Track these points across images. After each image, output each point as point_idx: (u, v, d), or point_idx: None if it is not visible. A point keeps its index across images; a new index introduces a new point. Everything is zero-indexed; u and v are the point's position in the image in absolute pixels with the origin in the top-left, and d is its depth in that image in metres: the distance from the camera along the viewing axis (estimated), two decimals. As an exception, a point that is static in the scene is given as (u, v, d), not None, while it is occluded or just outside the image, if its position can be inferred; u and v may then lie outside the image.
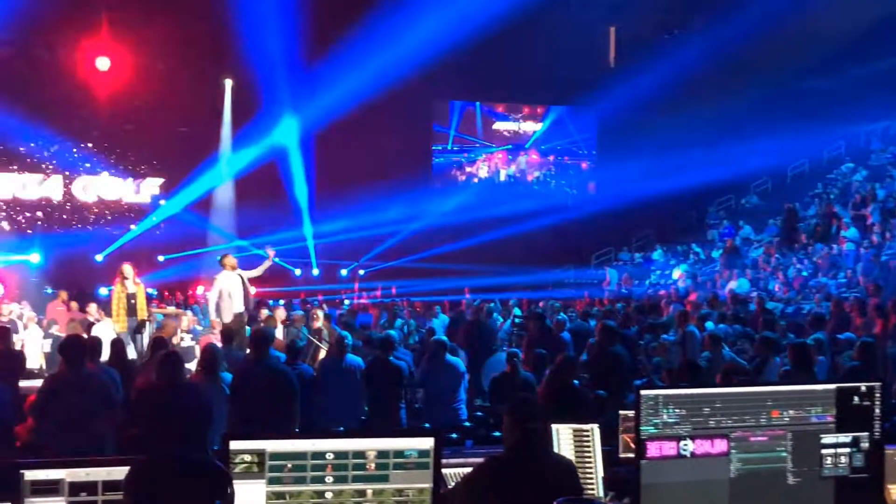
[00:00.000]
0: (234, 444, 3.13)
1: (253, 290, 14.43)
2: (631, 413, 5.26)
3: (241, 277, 13.49)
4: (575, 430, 5.46)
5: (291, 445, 3.16)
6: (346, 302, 21.69)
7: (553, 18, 24.56)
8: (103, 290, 16.39)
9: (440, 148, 30.15)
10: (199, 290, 22.06)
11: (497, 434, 8.09)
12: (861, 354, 8.94)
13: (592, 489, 5.13)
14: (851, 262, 18.88)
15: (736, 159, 25.59)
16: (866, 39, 22.68)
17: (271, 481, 3.13)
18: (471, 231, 24.76)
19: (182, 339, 13.88)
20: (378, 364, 9.46)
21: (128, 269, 13.39)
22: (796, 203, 24.44)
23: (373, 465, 3.17)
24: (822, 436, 3.76)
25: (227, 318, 13.16)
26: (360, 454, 3.16)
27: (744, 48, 23.09)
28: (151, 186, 25.40)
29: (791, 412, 3.72)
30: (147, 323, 13.46)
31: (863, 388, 3.82)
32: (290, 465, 3.14)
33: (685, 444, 3.57)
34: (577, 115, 30.83)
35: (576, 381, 8.66)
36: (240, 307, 13.38)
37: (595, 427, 5.49)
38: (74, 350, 7.39)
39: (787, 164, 27.50)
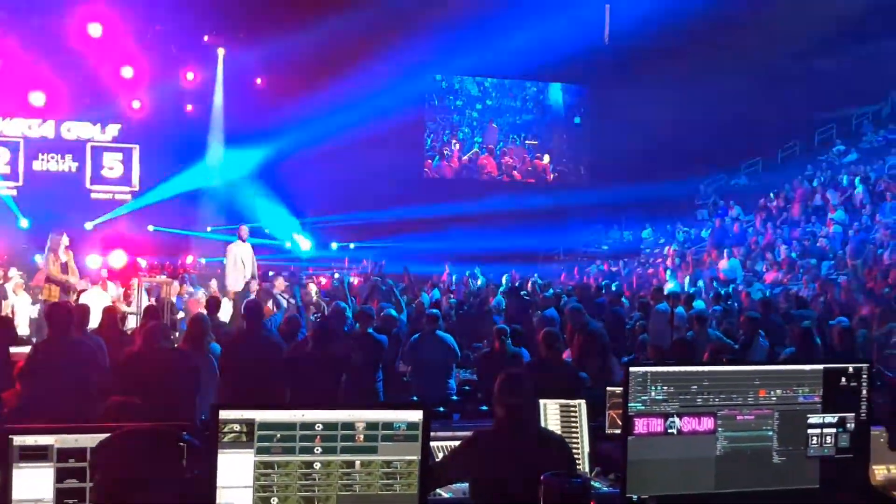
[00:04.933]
0: (224, 414, 3.13)
1: None
2: (618, 389, 5.30)
3: (249, 248, 14.30)
4: (562, 406, 5.50)
5: (280, 416, 3.16)
6: (337, 275, 21.67)
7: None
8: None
9: (433, 125, 30.09)
10: (189, 259, 22.02)
11: (484, 408, 8.15)
12: (800, 341, 8.98)
13: (579, 464, 5.17)
14: (839, 244, 18.96)
15: (727, 139, 25.60)
16: (860, 21, 22.64)
17: (260, 451, 3.13)
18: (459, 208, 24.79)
19: (179, 309, 14.03)
20: (358, 337, 9.48)
21: (62, 238, 13.43)
22: (786, 184, 24.51)
23: (361, 437, 3.17)
24: (809, 416, 3.78)
25: (239, 286, 13.74)
26: (349, 426, 3.16)
27: (737, 29, 23.04)
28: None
29: (778, 392, 3.73)
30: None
31: (850, 370, 3.84)
32: (278, 436, 3.14)
33: (672, 422, 3.59)
34: (570, 92, 30.80)
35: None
36: (250, 275, 14.03)
37: (582, 403, 5.53)
38: (60, 317, 7.38)
39: (777, 145, 27.55)
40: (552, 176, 30.81)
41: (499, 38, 24.88)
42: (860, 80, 24.79)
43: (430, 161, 29.89)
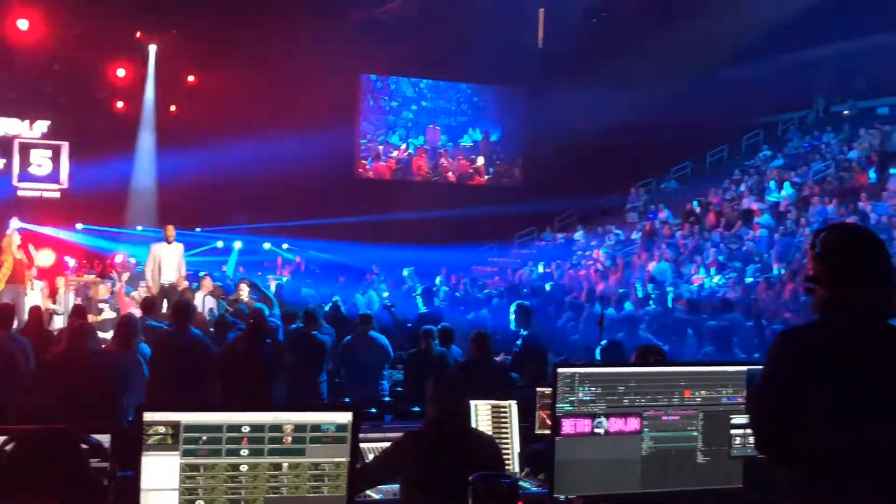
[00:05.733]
0: (148, 416, 3.08)
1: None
2: (548, 390, 5.34)
3: (178, 249, 14.04)
4: (493, 406, 5.53)
5: (207, 417, 3.12)
6: (267, 276, 21.48)
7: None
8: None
9: (368, 126, 30.00)
10: (118, 259, 21.64)
11: (416, 409, 8.16)
12: (715, 340, 9.14)
13: (509, 464, 5.20)
14: (765, 247, 19.36)
15: (657, 144, 25.98)
16: (787, 28, 23.15)
17: (185, 454, 3.09)
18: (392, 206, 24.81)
19: (102, 309, 13.77)
20: (300, 337, 9.42)
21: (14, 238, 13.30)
22: (714, 188, 24.97)
23: (289, 439, 3.15)
24: (732, 416, 3.83)
25: (158, 288, 13.49)
26: (277, 427, 3.14)
27: (668, 35, 23.39)
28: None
29: (703, 393, 3.79)
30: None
31: (773, 371, 3.91)
32: (204, 438, 3.10)
33: (599, 422, 3.63)
34: (504, 94, 30.96)
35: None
36: (171, 277, 13.77)
37: (513, 403, 5.57)
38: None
39: (707, 149, 28.06)
40: (486, 178, 30.93)
41: (434, 40, 24.92)
42: (787, 88, 25.35)
43: (364, 161, 29.80)
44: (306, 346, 9.26)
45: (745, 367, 3.89)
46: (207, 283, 14.46)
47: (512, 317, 9.68)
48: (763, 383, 2.94)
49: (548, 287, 18.83)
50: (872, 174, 21.09)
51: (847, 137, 24.47)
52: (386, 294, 17.29)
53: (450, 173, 30.56)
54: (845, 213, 19.05)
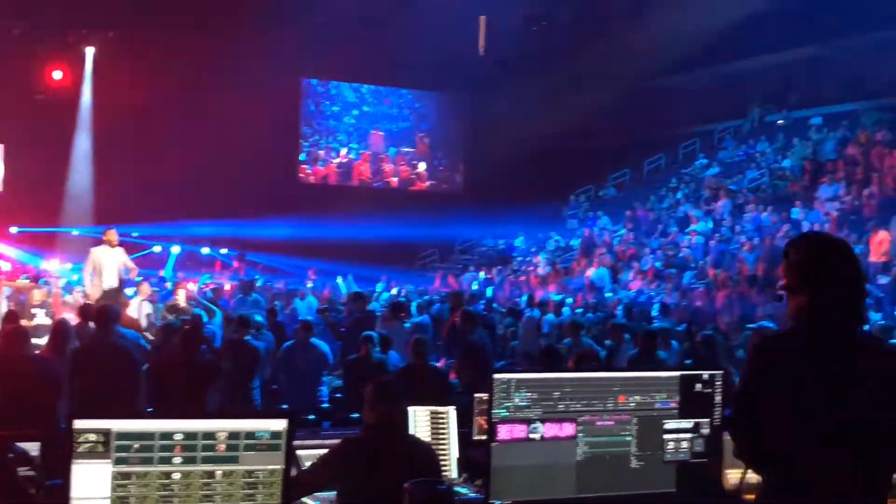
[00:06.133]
0: (79, 423, 3.04)
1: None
2: (486, 396, 5.36)
3: (119, 254, 13.69)
4: (432, 413, 5.53)
5: (138, 425, 3.08)
6: (206, 280, 21.26)
7: (426, 3, 24.63)
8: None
9: (309, 130, 29.85)
10: (55, 263, 21.25)
11: (355, 416, 8.13)
12: (642, 344, 9.26)
13: (447, 471, 5.20)
14: (701, 254, 19.66)
15: (597, 151, 26.26)
16: (724, 39, 23.54)
17: (117, 462, 3.05)
18: (337, 215, 24.71)
19: (34, 314, 13.46)
20: (234, 344, 9.34)
21: None
22: (652, 196, 25.31)
23: (223, 447, 3.12)
24: (665, 421, 3.87)
25: (97, 294, 13.16)
26: (210, 435, 3.11)
27: (608, 44, 23.63)
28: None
29: (637, 398, 3.83)
30: None
31: (705, 376, 3.95)
32: (136, 446, 3.06)
33: (535, 428, 3.65)
34: (445, 100, 31.02)
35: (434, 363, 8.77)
36: (111, 283, 13.44)
37: (451, 409, 5.57)
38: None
39: (645, 157, 28.42)
40: (427, 184, 30.96)
41: (376, 46, 24.91)
42: (723, 97, 25.78)
43: (304, 166, 29.64)
44: (239, 353, 9.17)
45: (677, 373, 3.94)
46: (145, 289, 14.25)
47: (458, 321, 9.70)
48: (740, 389, 2.99)
49: (489, 293, 18.94)
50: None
51: (781, 146, 24.95)
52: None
53: (391, 178, 30.53)
54: (778, 221, 19.43)
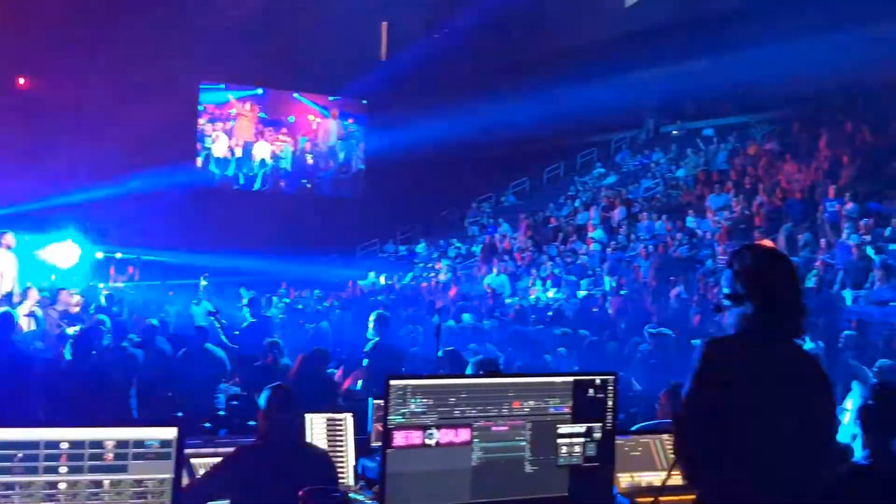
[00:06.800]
0: (-41, 434, 2.94)
1: None
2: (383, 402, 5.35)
3: (13, 258, 13.28)
4: (329, 420, 5.50)
5: (22, 434, 2.99)
6: (102, 285, 20.71)
7: (329, 8, 24.55)
8: None
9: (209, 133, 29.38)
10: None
11: (253, 423, 8.02)
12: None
13: (344, 478, 5.18)
14: (598, 261, 20.01)
15: (497, 159, 26.50)
16: (620, 50, 24.04)
17: (0, 472, 2.96)
18: (236, 219, 24.41)
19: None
20: (112, 351, 9.13)
21: None
22: (551, 203, 25.67)
23: (111, 456, 3.05)
24: (559, 426, 3.90)
25: None
26: (98, 444, 3.04)
27: (507, 52, 23.92)
28: None
29: (531, 403, 3.85)
30: None
31: (598, 381, 4.02)
32: (20, 455, 2.97)
33: (430, 433, 3.66)
34: (348, 106, 30.88)
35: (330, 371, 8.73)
36: (8, 287, 13.01)
37: (349, 416, 5.55)
38: None
39: (543, 166, 28.80)
40: (329, 190, 30.76)
41: (277, 50, 24.72)
42: (620, 108, 26.31)
43: (202, 169, 29.14)
44: (117, 360, 8.98)
45: (571, 378, 3.99)
46: (33, 294, 13.81)
47: (370, 325, 9.68)
48: (688, 392, 3.03)
49: (391, 297, 18.93)
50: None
51: (675, 157, 25.61)
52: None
53: (293, 184, 30.25)
54: (672, 230, 19.92)
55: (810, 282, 14.20)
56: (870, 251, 14.93)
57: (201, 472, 4.86)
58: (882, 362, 8.79)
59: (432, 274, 23.80)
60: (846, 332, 11.06)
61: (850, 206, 17.07)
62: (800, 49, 20.48)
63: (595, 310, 15.75)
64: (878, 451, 3.69)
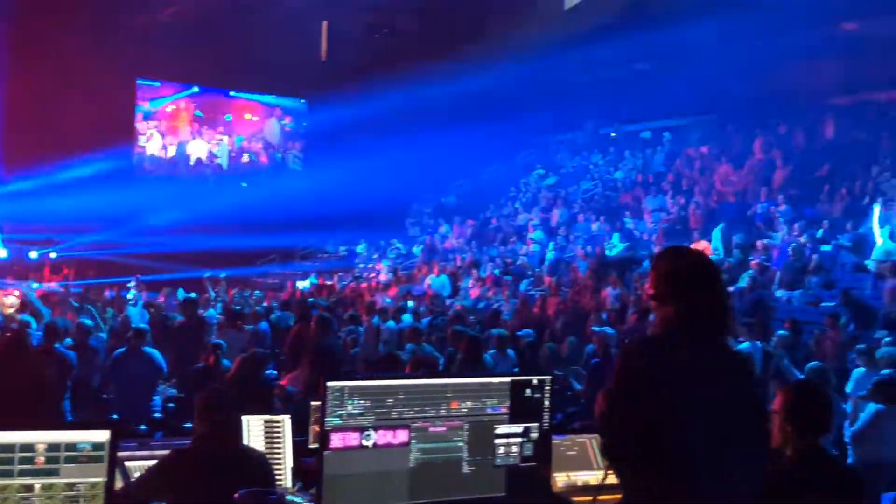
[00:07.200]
0: None
1: None
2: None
3: None
4: (266, 422, 5.46)
5: (-50, 439, 2.94)
6: (35, 286, 20.32)
7: (269, 6, 24.36)
8: None
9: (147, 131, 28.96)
10: None
11: (190, 426, 7.93)
12: (466, 349, 9.43)
13: (281, 480, 5.15)
14: (537, 262, 20.14)
15: (439, 158, 26.51)
16: (560, 52, 24.19)
17: (-73, 477, 2.90)
18: (172, 219, 24.10)
19: None
20: (43, 353, 8.96)
21: None
22: (491, 204, 25.77)
23: (42, 459, 3.00)
24: (496, 426, 3.92)
25: None
26: (29, 447, 2.99)
27: (447, 52, 23.93)
28: None
29: (469, 403, 3.87)
30: None
31: (535, 381, 4.05)
32: (-53, 460, 2.92)
33: (368, 435, 3.66)
34: (289, 106, 30.65)
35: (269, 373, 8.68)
36: None
37: (286, 418, 5.52)
38: None
39: (485, 166, 28.89)
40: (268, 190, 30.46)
41: (216, 48, 24.47)
42: (559, 109, 26.49)
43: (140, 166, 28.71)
44: (50, 362, 8.82)
45: (508, 379, 4.03)
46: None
47: (307, 328, 9.65)
48: (611, 391, 3.04)
49: (331, 299, 18.82)
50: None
51: (613, 158, 25.87)
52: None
53: (229, 182, 29.91)
54: (611, 231, 20.13)
55: (744, 282, 14.45)
56: (806, 252, 15.31)
57: (136, 475, 4.80)
58: (811, 365, 8.96)
59: (373, 274, 23.76)
60: (779, 332, 11.26)
61: (783, 207, 17.42)
62: (736, 53, 20.86)
63: (535, 310, 15.84)
64: (806, 450, 3.76)
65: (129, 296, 18.91)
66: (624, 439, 2.96)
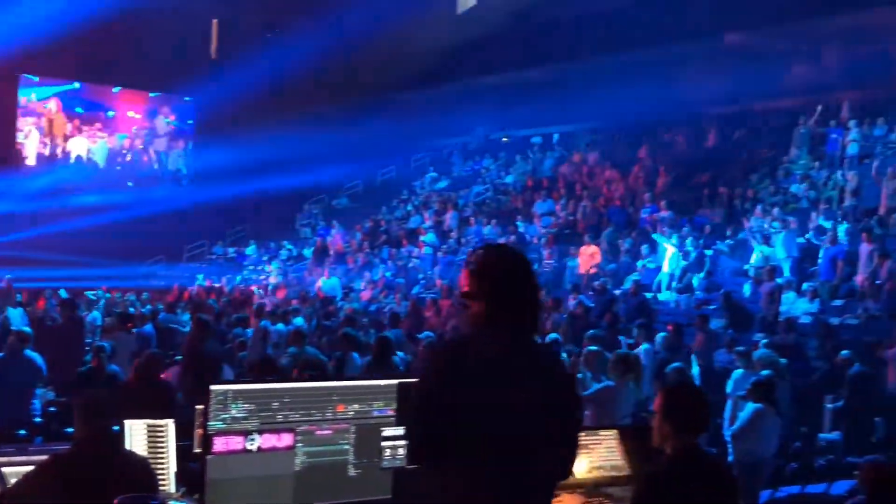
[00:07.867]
0: None
1: None
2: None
3: None
4: (149, 426, 5.37)
5: None
6: None
7: (157, 2, 23.89)
8: None
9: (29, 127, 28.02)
10: None
11: (70, 430, 7.72)
12: (377, 351, 9.48)
13: (165, 485, 5.08)
14: (430, 264, 20.24)
15: (331, 160, 26.40)
16: (453, 57, 24.40)
17: None
18: (53, 217, 23.40)
19: None
20: None
21: None
22: (384, 207, 25.78)
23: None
24: (383, 429, 3.93)
25: None
26: None
27: (343, 55, 23.88)
28: None
29: (355, 406, 3.87)
30: None
31: (420, 384, 4.09)
32: None
33: (252, 439, 3.63)
34: (175, 104, 30.02)
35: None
36: None
37: (170, 422, 5.43)
38: None
39: (377, 169, 28.89)
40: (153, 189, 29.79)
41: (103, 45, 23.89)
42: (452, 114, 26.68)
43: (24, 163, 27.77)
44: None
45: (395, 381, 4.04)
46: None
47: (193, 328, 9.49)
48: (415, 395, 3.01)
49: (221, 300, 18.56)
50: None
51: (504, 163, 26.18)
52: None
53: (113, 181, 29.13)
54: (503, 234, 20.36)
55: (628, 285, 14.82)
56: (689, 256, 15.79)
57: (13, 481, 4.68)
58: (672, 366, 9.23)
59: (262, 276, 23.49)
60: (661, 334, 11.60)
61: (665, 213, 17.90)
62: (624, 62, 21.38)
63: (427, 313, 15.91)
64: (684, 448, 3.88)
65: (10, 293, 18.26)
66: (429, 437, 2.92)
